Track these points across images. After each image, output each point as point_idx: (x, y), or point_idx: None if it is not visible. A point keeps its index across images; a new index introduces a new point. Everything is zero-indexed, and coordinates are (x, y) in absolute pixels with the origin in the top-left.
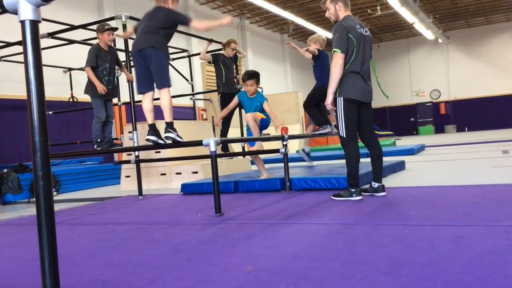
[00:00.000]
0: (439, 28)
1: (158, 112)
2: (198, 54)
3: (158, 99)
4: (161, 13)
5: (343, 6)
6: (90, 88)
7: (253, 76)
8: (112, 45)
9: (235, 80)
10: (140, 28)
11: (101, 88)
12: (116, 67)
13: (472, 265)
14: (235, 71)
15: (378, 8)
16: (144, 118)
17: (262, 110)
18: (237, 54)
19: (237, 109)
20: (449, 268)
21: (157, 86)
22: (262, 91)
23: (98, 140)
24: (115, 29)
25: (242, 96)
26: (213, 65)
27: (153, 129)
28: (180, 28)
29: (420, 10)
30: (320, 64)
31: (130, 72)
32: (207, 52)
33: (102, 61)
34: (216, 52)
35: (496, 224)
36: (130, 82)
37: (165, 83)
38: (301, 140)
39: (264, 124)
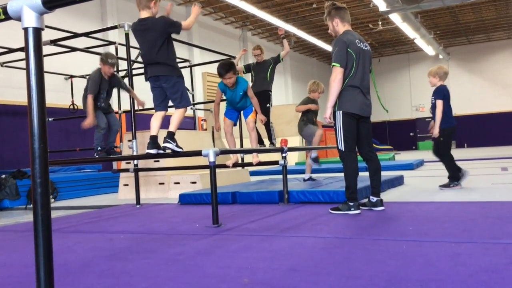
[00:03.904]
0: (440, 44)
1: (165, 121)
2: (199, 64)
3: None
4: (153, 24)
5: (340, 22)
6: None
7: (230, 69)
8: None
9: (263, 80)
10: (144, 46)
11: (90, 122)
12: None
13: (469, 283)
14: (268, 73)
15: (380, 23)
16: (144, 127)
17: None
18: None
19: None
20: (446, 285)
21: (176, 107)
22: None
23: (99, 148)
24: (114, 65)
25: (224, 88)
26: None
27: (153, 141)
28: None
29: (421, 26)
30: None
31: (132, 86)
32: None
33: (102, 89)
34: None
35: (494, 242)
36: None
37: (184, 104)
38: (301, 153)
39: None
